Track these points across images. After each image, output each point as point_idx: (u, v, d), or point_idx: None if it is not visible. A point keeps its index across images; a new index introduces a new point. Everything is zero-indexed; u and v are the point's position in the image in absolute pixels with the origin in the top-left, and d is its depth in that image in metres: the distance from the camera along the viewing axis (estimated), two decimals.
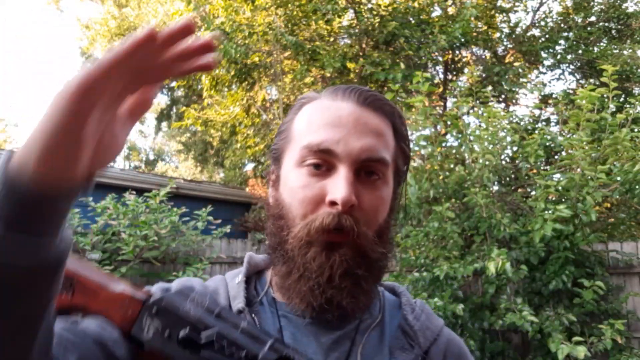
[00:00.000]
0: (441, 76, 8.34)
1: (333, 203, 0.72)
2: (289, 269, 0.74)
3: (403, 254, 4.31)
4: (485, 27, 7.96)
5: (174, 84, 8.24)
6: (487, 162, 4.11)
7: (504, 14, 8.33)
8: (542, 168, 5.25)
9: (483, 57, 8.63)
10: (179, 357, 0.62)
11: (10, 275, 0.45)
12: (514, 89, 7.39)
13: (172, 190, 5.58)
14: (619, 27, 8.65)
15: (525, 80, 8.10)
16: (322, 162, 0.75)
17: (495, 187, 4.69)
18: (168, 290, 0.69)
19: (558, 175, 4.31)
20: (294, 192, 0.76)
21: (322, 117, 0.78)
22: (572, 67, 8.71)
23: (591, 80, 7.60)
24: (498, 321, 3.83)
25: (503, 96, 7.80)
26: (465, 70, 8.14)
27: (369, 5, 7.45)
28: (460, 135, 4.43)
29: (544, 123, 7.55)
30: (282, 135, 0.84)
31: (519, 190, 5.18)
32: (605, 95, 4.04)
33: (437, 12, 7.78)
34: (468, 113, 4.94)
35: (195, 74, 7.45)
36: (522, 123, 5.11)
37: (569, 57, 8.32)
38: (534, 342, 4.09)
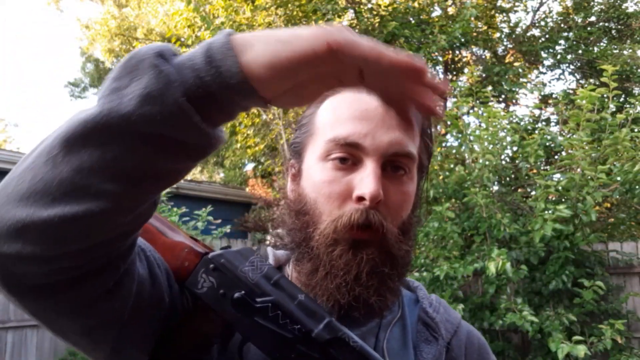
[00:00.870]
0: (441, 76, 8.33)
1: (361, 198, 0.70)
2: (314, 266, 0.72)
3: None
4: (485, 27, 7.96)
5: None
6: (487, 162, 4.11)
7: (504, 14, 8.33)
8: (542, 168, 5.25)
9: (483, 57, 8.64)
10: (230, 316, 0.62)
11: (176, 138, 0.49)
12: (514, 89, 7.39)
13: (172, 190, 5.58)
14: (619, 27, 8.65)
15: (525, 80, 8.11)
16: (349, 155, 0.73)
17: (495, 187, 4.70)
18: (228, 248, 0.68)
19: (558, 175, 4.31)
20: (319, 187, 0.74)
21: (349, 110, 0.76)
22: (572, 67, 8.71)
23: (591, 80, 7.60)
24: (498, 321, 3.84)
25: (503, 96, 7.80)
26: (465, 70, 8.14)
27: (369, 5, 7.45)
28: (460, 135, 4.43)
29: (544, 123, 7.55)
30: (304, 129, 0.82)
31: (519, 190, 5.18)
32: (605, 95, 4.04)
33: (437, 12, 7.78)
34: (468, 113, 4.94)
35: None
36: (522, 123, 5.11)
37: (569, 57, 8.32)
38: (534, 342, 4.09)
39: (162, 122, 0.47)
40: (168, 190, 5.40)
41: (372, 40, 0.50)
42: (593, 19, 8.62)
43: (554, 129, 6.88)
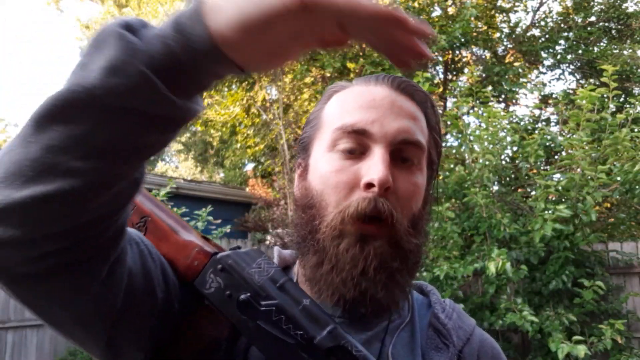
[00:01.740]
0: (441, 76, 8.34)
1: (369, 185, 0.68)
2: (320, 259, 0.70)
3: None
4: (485, 27, 7.96)
5: None
6: (487, 162, 4.11)
7: (504, 14, 8.33)
8: (542, 168, 5.25)
9: (483, 57, 8.64)
10: (235, 318, 0.61)
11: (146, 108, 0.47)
12: (514, 89, 7.40)
13: (172, 190, 5.58)
14: (619, 27, 8.65)
15: (525, 80, 8.11)
16: (356, 145, 0.72)
17: (495, 187, 4.69)
18: (238, 249, 0.67)
19: (558, 175, 4.31)
20: (326, 178, 0.72)
21: (356, 101, 0.75)
22: (572, 67, 8.72)
23: (591, 80, 7.60)
24: (498, 321, 3.84)
25: (503, 96, 7.80)
26: (465, 70, 8.14)
27: None
28: (460, 135, 4.43)
29: (544, 123, 7.56)
30: (311, 124, 0.80)
31: (519, 190, 5.18)
32: (605, 95, 4.04)
33: (437, 12, 7.78)
34: (468, 113, 4.94)
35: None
36: (522, 123, 5.12)
37: (569, 57, 8.32)
38: (534, 342, 4.09)
39: (128, 94, 0.46)
40: (168, 190, 5.41)
41: None
42: (593, 19, 8.62)
43: (554, 129, 6.88)
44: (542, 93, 8.15)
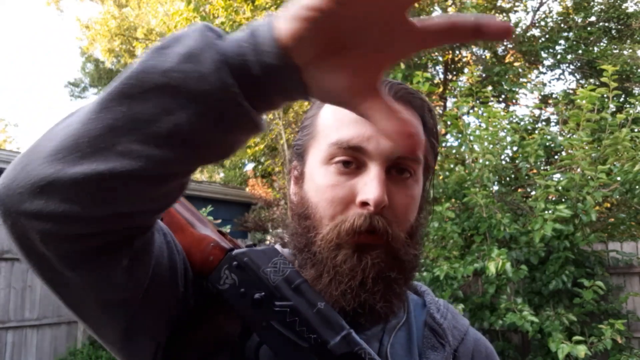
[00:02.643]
0: (441, 76, 8.34)
1: (364, 204, 0.69)
2: (318, 272, 0.71)
3: None
4: None
5: None
6: (487, 162, 4.11)
7: (504, 14, 8.33)
8: (542, 168, 5.25)
9: (483, 57, 8.64)
10: (248, 316, 0.61)
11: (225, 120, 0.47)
12: (514, 89, 7.40)
13: None
14: (619, 27, 8.65)
15: (525, 80, 8.11)
16: (352, 159, 0.72)
17: (495, 187, 4.69)
18: (253, 246, 0.66)
19: (558, 175, 4.31)
20: (322, 192, 0.72)
21: (351, 113, 0.74)
22: (572, 67, 8.72)
23: (591, 80, 7.61)
24: (498, 321, 3.84)
25: (503, 96, 7.81)
26: (465, 70, 8.14)
27: None
28: (460, 135, 4.43)
29: (544, 123, 7.56)
30: (306, 131, 0.80)
31: (519, 190, 5.18)
32: (605, 95, 4.04)
33: (437, 12, 7.78)
34: (468, 113, 4.94)
35: None
36: (522, 123, 5.11)
37: (569, 57, 8.32)
38: (534, 342, 4.09)
39: (199, 81, 0.45)
40: None
41: None
42: (593, 19, 8.62)
43: (554, 129, 6.88)
44: (542, 93, 8.16)
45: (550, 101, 7.90)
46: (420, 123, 0.77)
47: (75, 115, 0.49)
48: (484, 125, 4.35)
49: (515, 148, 4.62)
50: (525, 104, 8.74)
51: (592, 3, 8.58)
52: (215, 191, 8.54)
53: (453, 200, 4.38)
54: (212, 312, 0.64)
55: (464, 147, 4.41)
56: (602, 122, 4.04)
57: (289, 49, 0.44)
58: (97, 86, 15.23)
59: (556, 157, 5.47)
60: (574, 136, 4.14)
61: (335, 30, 0.43)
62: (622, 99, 5.70)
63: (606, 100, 4.09)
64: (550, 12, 8.97)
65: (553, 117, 8.09)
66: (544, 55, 8.38)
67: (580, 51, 8.12)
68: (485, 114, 4.28)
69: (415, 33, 0.47)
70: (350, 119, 0.73)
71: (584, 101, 3.97)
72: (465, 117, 4.61)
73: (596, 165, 3.81)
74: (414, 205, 0.75)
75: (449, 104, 7.59)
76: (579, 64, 8.48)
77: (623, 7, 8.40)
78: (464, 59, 8.56)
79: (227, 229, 5.78)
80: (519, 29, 8.45)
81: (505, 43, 8.57)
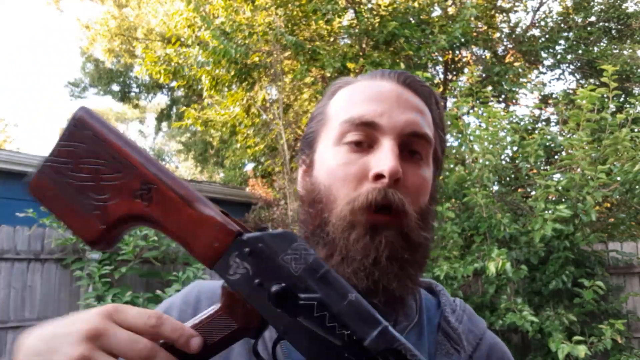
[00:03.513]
0: (441, 76, 8.34)
1: (378, 176, 0.67)
2: (330, 251, 0.68)
3: None
4: (485, 27, 7.96)
5: (174, 83, 8.24)
6: (487, 162, 4.11)
7: (504, 14, 8.33)
8: (542, 168, 5.25)
9: (483, 57, 8.64)
10: (265, 311, 0.54)
11: None
12: (514, 89, 7.40)
13: None
14: (619, 27, 8.65)
15: (525, 80, 8.11)
16: (364, 137, 0.70)
17: (495, 187, 4.69)
18: (265, 229, 0.57)
19: (558, 175, 4.31)
20: (334, 172, 0.70)
21: (363, 94, 0.74)
22: (572, 67, 8.72)
23: (591, 80, 7.61)
24: (498, 321, 3.83)
25: (503, 96, 7.81)
26: (465, 70, 8.14)
27: (369, 5, 7.45)
28: (460, 135, 4.43)
29: (544, 123, 7.56)
30: (316, 119, 0.79)
31: (519, 190, 5.18)
32: (605, 95, 4.04)
33: (437, 12, 7.78)
34: (468, 113, 4.94)
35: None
36: (522, 123, 5.11)
37: (569, 57, 8.32)
38: (534, 342, 4.09)
39: None
40: None
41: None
42: (593, 19, 8.62)
43: (554, 129, 6.88)
44: (542, 93, 8.16)
45: (550, 101, 7.90)
46: (428, 112, 0.76)
47: None
48: (484, 125, 4.35)
49: (515, 148, 4.62)
50: (525, 104, 8.74)
51: (592, 3, 8.58)
52: (215, 191, 8.54)
53: (453, 200, 4.38)
54: (223, 305, 0.56)
55: (464, 147, 4.41)
56: (602, 122, 4.04)
57: None
58: (97, 86, 15.22)
59: (556, 157, 5.47)
60: (574, 136, 4.14)
61: None
62: (622, 99, 5.70)
63: (606, 100, 4.09)
64: (550, 12, 8.97)
65: (553, 117, 8.09)
66: (544, 55, 8.38)
67: (580, 51, 8.12)
68: (485, 114, 4.28)
69: None
70: (362, 99, 0.73)
71: (584, 101, 3.97)
72: (465, 117, 4.61)
73: (596, 165, 3.81)
74: (426, 187, 0.73)
75: (449, 104, 7.59)
76: (579, 64, 8.48)
77: (623, 7, 8.40)
78: (464, 59, 8.55)
79: None
80: (519, 29, 8.44)
81: (505, 43, 8.57)
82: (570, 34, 8.32)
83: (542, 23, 8.80)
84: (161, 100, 17.34)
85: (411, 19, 7.20)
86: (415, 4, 7.47)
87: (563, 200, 4.11)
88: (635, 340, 4.51)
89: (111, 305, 0.50)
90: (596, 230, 4.43)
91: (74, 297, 5.29)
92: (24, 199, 5.74)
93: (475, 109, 4.86)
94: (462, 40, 6.75)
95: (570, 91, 7.23)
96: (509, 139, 4.39)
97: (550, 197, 4.09)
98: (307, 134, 0.80)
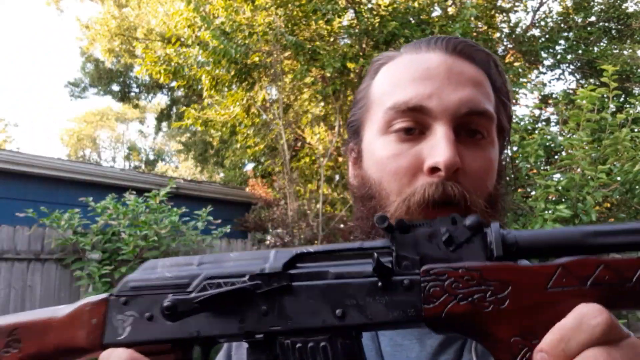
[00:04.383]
0: None
1: (434, 169, 0.60)
2: None
3: None
4: (485, 27, 7.96)
5: (174, 83, 8.24)
6: None
7: (504, 14, 8.33)
8: (542, 168, 5.25)
9: None
10: (172, 332, 0.52)
11: None
12: (514, 89, 7.39)
13: (172, 190, 5.58)
14: (619, 27, 8.65)
15: (525, 80, 8.11)
16: (414, 124, 0.63)
17: None
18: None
19: (558, 175, 4.31)
20: (383, 165, 0.63)
21: (407, 73, 0.65)
22: (572, 67, 8.72)
23: (591, 80, 7.61)
24: None
25: None
26: None
27: (369, 5, 7.45)
28: None
29: (544, 123, 7.56)
30: (360, 104, 0.71)
31: (519, 190, 5.18)
32: (605, 95, 4.04)
33: (437, 12, 7.78)
34: None
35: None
36: (522, 123, 5.11)
37: (569, 57, 8.33)
38: None
39: None
40: (168, 190, 5.41)
41: None
42: (593, 19, 8.62)
43: (554, 129, 6.87)
44: (542, 93, 8.16)
45: (550, 101, 7.90)
46: (487, 80, 0.68)
47: None
48: None
49: (515, 148, 4.62)
50: (525, 104, 8.74)
51: (592, 3, 8.58)
52: (215, 191, 8.54)
53: None
54: None
55: None
56: (602, 122, 4.04)
57: None
58: (97, 86, 15.23)
59: (556, 157, 5.47)
60: (574, 136, 4.14)
61: None
62: (622, 99, 5.70)
63: (606, 100, 4.09)
64: (550, 12, 8.97)
65: (553, 117, 8.09)
66: (544, 55, 8.38)
67: (580, 51, 8.12)
68: None
69: None
70: (407, 79, 0.65)
71: (584, 101, 3.97)
72: None
73: (596, 165, 3.81)
74: (492, 169, 0.65)
75: None
76: (579, 64, 8.48)
77: (623, 7, 8.40)
78: None
79: (227, 228, 5.79)
80: (519, 29, 8.45)
81: (505, 43, 8.57)
82: (570, 34, 8.32)
83: (542, 23, 8.80)
84: (161, 100, 17.36)
85: (411, 19, 7.19)
86: (415, 4, 7.47)
87: (563, 200, 4.11)
88: None
89: None
90: None
91: (74, 297, 5.29)
92: (24, 199, 5.75)
93: None
94: None
95: (570, 91, 7.24)
96: None
97: (550, 197, 4.09)
98: (351, 121, 0.73)
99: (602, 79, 4.06)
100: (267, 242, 7.60)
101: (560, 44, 8.32)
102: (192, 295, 0.51)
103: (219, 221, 5.65)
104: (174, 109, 15.74)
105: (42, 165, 6.32)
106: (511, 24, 8.43)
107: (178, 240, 5.45)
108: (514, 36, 8.38)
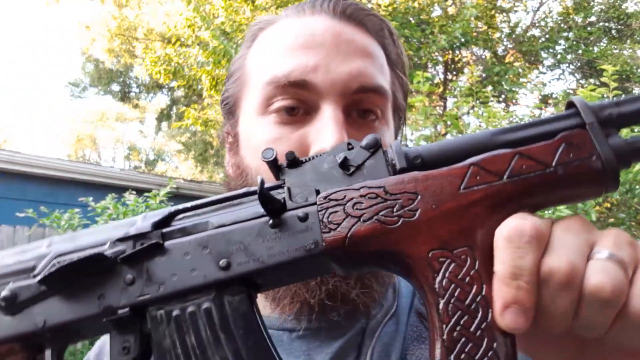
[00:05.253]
0: (441, 76, 8.34)
1: None
2: None
3: None
4: (485, 27, 7.96)
5: (174, 83, 8.25)
6: None
7: (504, 14, 8.34)
8: None
9: (483, 57, 8.64)
10: (11, 329, 0.43)
11: None
12: (514, 89, 7.40)
13: (172, 190, 5.58)
14: (619, 27, 8.65)
15: (525, 80, 8.11)
16: (297, 102, 0.53)
17: None
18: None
19: None
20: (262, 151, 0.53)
21: (288, 40, 0.55)
22: (572, 67, 8.73)
23: (591, 80, 7.61)
24: None
25: (503, 96, 7.80)
26: (465, 70, 8.14)
27: (369, 5, 7.46)
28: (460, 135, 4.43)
29: None
30: (234, 77, 0.60)
31: None
32: (605, 95, 4.04)
33: (437, 12, 7.78)
34: (468, 113, 4.94)
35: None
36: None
37: (569, 57, 8.33)
38: None
39: None
40: (168, 190, 5.40)
41: None
42: (593, 19, 8.62)
43: None
44: (542, 93, 8.16)
45: (550, 101, 7.90)
46: (382, 50, 0.59)
47: None
48: (484, 125, 4.34)
49: None
50: (525, 104, 8.74)
51: (592, 3, 8.58)
52: (215, 191, 8.54)
53: None
54: None
55: None
56: None
57: None
58: (97, 86, 15.24)
59: None
60: None
61: None
62: None
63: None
64: (550, 12, 8.97)
65: None
66: (544, 55, 8.38)
67: (580, 51, 8.12)
68: (485, 114, 4.28)
69: None
70: (288, 47, 0.54)
71: None
72: (465, 117, 4.61)
73: None
74: None
75: (449, 104, 7.60)
76: (579, 64, 8.49)
77: (623, 7, 8.40)
78: (464, 59, 8.55)
79: None
80: (519, 29, 8.45)
81: (505, 43, 8.57)
82: (570, 34, 8.32)
83: (542, 23, 8.80)
84: (161, 100, 17.36)
85: (411, 19, 7.20)
86: (415, 4, 7.47)
87: None
88: None
89: None
90: None
91: None
92: (24, 199, 5.75)
93: (475, 109, 4.86)
94: (462, 40, 6.75)
95: (570, 91, 7.24)
96: None
97: None
98: (225, 97, 0.63)
99: (602, 79, 4.06)
100: None
101: (560, 44, 8.33)
102: (38, 278, 0.43)
103: None
104: (174, 109, 15.74)
105: (42, 165, 6.33)
106: (511, 24, 8.43)
107: None
108: (514, 36, 8.38)
